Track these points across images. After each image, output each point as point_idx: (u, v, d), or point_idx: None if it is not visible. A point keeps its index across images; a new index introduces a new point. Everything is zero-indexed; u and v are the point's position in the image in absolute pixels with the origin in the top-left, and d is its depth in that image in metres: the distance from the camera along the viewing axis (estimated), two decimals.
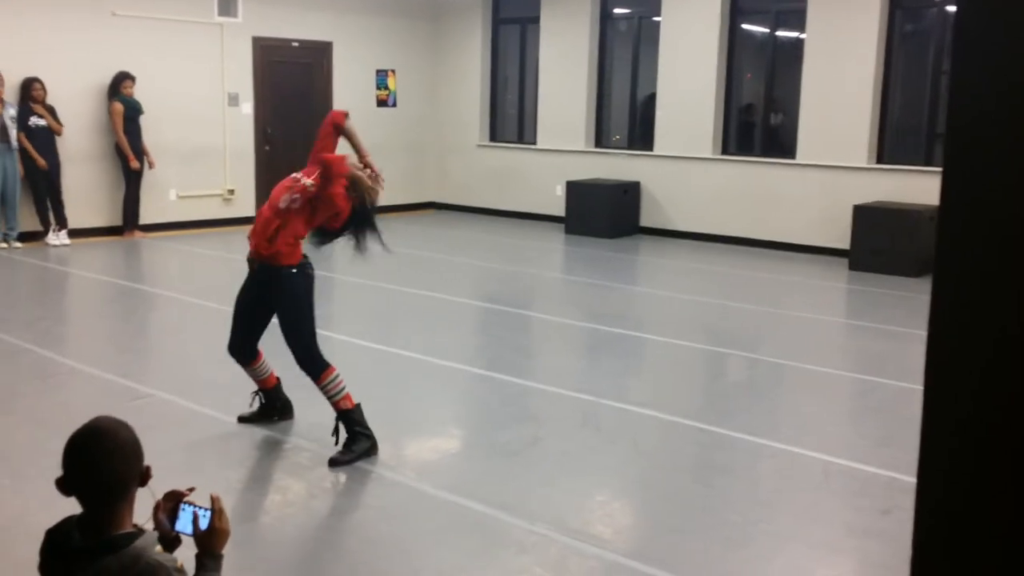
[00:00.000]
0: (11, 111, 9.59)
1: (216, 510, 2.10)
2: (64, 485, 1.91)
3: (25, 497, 3.84)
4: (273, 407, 4.77)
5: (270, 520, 3.86)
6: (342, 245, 4.49)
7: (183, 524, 2.07)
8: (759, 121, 11.36)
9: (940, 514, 1.09)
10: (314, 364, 4.37)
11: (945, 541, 1.09)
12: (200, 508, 2.08)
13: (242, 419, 4.77)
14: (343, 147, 4.40)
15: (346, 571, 3.44)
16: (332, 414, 4.40)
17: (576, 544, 3.59)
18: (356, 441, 4.35)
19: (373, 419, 4.83)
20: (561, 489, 4.12)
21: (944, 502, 1.09)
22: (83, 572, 1.86)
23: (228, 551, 3.46)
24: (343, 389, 4.38)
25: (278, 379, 4.76)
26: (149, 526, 2.05)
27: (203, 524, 2.08)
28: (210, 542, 2.09)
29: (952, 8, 9.67)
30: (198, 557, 2.10)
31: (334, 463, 4.27)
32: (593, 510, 3.95)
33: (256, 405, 4.77)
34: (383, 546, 3.59)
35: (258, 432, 4.66)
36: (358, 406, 4.41)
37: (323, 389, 4.38)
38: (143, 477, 1.98)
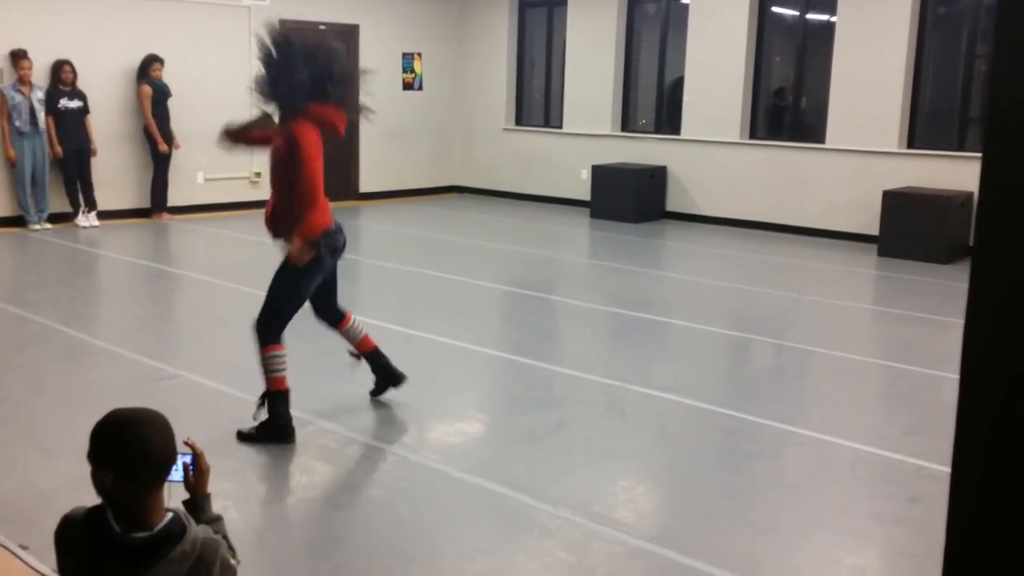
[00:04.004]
0: (39, 94, 9.67)
1: (197, 453, 2.11)
2: (109, 464, 1.85)
3: (55, 475, 3.88)
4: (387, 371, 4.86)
5: (295, 501, 3.88)
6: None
7: (175, 474, 2.03)
8: (788, 105, 11.24)
9: (974, 504, 1.07)
10: (267, 331, 4.34)
11: (979, 531, 1.07)
12: (179, 455, 2.05)
13: (373, 393, 4.87)
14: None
15: (370, 552, 3.46)
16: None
17: (600, 529, 3.59)
18: (269, 426, 4.33)
19: (397, 402, 4.86)
20: (585, 474, 4.11)
21: (979, 492, 1.07)
22: (147, 570, 1.83)
23: (253, 532, 3.47)
24: (281, 371, 4.34)
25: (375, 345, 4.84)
26: None
27: (193, 470, 2.09)
28: (201, 483, 2.12)
29: None
30: (190, 502, 2.09)
31: (242, 437, 4.31)
32: (617, 495, 3.94)
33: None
34: (407, 528, 3.61)
35: None
36: (287, 391, 4.36)
37: (263, 360, 4.34)
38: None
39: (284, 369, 4.36)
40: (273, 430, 4.32)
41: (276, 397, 4.34)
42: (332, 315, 4.69)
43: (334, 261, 4.46)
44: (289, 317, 4.39)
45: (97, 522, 1.88)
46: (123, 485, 1.86)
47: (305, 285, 4.35)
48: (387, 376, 4.83)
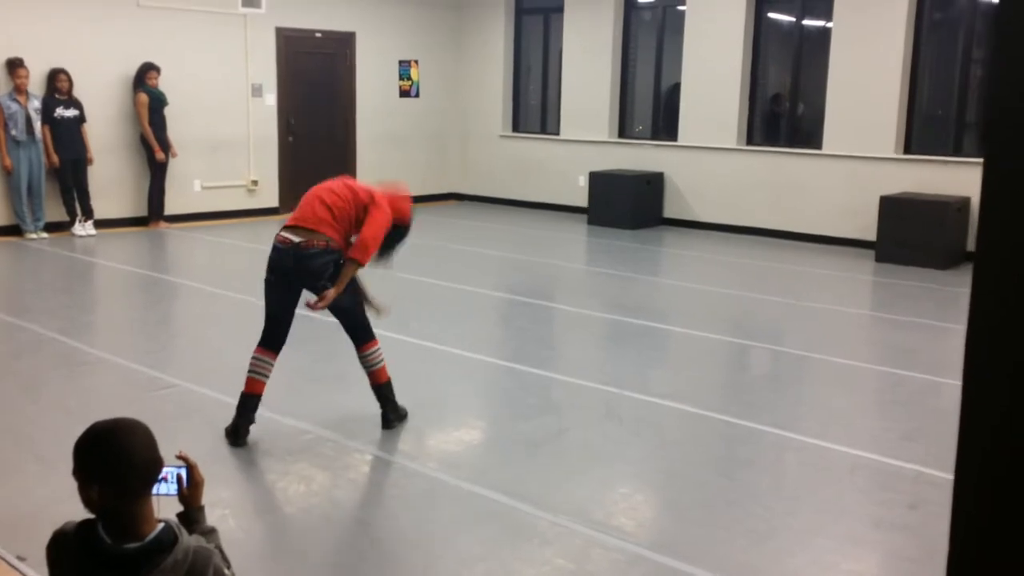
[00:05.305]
0: (35, 103, 9.66)
1: (191, 465, 2.08)
2: (93, 476, 1.84)
3: (52, 484, 3.86)
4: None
5: (294, 510, 3.87)
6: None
7: (168, 487, 2.02)
8: (785, 111, 11.26)
9: (977, 509, 1.06)
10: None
11: (983, 536, 1.07)
12: (172, 468, 2.03)
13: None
14: None
15: (367, 561, 3.44)
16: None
17: (599, 536, 3.57)
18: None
19: None
20: (584, 481, 4.10)
21: (982, 497, 1.06)
22: None
23: (252, 541, 3.45)
24: (252, 371, 4.44)
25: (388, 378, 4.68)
26: None
27: (186, 482, 2.07)
28: (195, 496, 2.10)
29: None
30: (184, 515, 2.07)
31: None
32: (616, 502, 3.93)
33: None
34: (405, 536, 3.59)
35: (281, 423, 4.67)
36: (248, 395, 4.43)
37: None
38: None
39: (254, 371, 4.44)
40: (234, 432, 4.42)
41: (241, 396, 4.43)
42: (352, 337, 4.62)
43: (273, 276, 4.42)
44: (267, 322, 4.46)
45: (88, 535, 1.87)
46: (110, 496, 1.85)
47: (266, 295, 4.47)
48: (383, 412, 4.68)
